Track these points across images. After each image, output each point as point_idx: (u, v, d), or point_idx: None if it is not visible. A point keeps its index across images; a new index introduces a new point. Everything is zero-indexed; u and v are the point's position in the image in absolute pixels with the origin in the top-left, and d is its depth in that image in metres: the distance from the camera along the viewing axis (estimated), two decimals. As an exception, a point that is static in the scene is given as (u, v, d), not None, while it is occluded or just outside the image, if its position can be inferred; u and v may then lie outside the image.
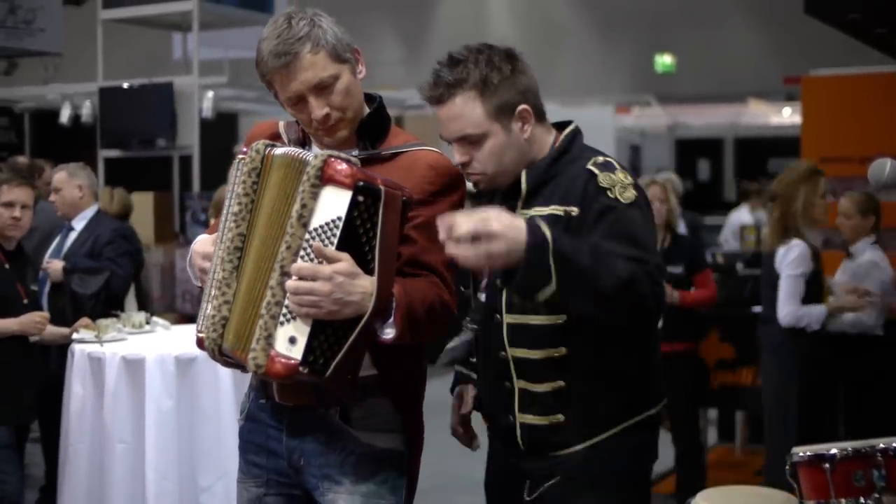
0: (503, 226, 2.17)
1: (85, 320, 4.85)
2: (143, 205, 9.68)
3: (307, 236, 2.24)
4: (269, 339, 2.26)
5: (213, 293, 2.41)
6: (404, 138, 2.59)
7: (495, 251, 2.17)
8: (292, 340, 2.24)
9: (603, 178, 2.45)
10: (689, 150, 18.50)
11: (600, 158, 2.50)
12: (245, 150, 2.47)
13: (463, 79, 2.48)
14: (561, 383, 2.51)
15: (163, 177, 10.90)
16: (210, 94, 10.25)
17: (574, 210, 2.44)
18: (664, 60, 16.72)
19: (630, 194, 2.44)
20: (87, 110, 10.95)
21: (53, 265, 5.68)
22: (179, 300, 9.81)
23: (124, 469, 4.40)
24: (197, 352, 4.45)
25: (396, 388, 2.52)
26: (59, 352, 5.14)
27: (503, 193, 2.61)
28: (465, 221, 2.17)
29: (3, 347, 4.53)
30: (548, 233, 2.21)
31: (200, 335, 2.45)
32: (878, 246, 5.57)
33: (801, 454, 3.04)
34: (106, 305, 5.58)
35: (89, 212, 5.92)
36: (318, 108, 2.44)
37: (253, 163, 2.40)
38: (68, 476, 4.61)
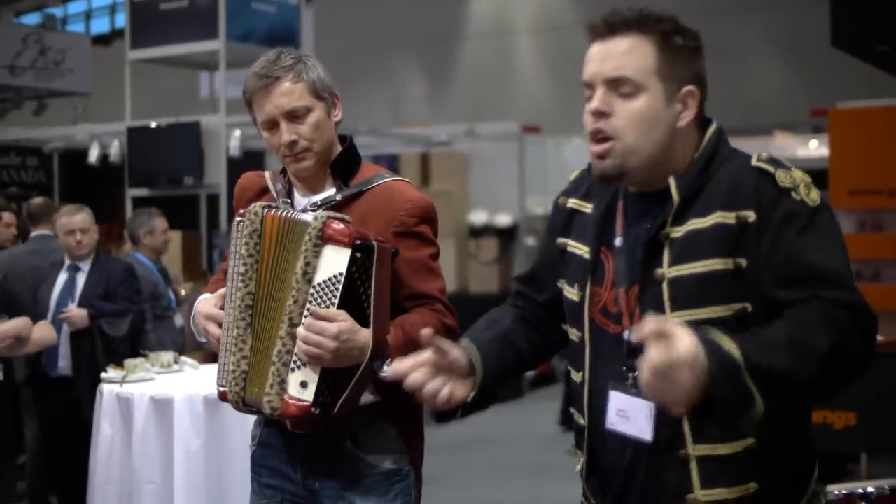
0: (687, 351, 1.74)
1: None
2: (170, 243, 9.71)
3: (311, 290, 2.49)
4: (282, 384, 2.51)
5: (230, 349, 2.61)
6: (375, 171, 2.78)
7: (681, 380, 1.75)
8: (303, 385, 2.49)
9: (783, 177, 1.99)
10: (716, 184, 18.42)
11: (763, 154, 2.04)
12: (243, 212, 2.66)
13: (646, 19, 2.05)
14: (751, 441, 1.99)
15: (190, 215, 10.94)
16: (237, 132, 10.27)
17: (750, 215, 1.97)
18: (690, 93, 16.68)
19: (816, 195, 1.99)
20: (115, 150, 11.00)
21: (78, 313, 5.60)
22: (207, 338, 9.81)
23: (153, 509, 4.39)
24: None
25: (399, 413, 2.70)
26: (89, 392, 5.14)
27: (642, 206, 2.11)
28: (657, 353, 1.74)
29: None
30: (735, 351, 1.79)
31: (223, 389, 2.64)
32: None
33: (836, 492, 3.00)
34: (131, 345, 5.58)
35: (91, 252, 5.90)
36: (287, 134, 2.65)
37: (253, 225, 2.60)
38: (97, 517, 4.60)
